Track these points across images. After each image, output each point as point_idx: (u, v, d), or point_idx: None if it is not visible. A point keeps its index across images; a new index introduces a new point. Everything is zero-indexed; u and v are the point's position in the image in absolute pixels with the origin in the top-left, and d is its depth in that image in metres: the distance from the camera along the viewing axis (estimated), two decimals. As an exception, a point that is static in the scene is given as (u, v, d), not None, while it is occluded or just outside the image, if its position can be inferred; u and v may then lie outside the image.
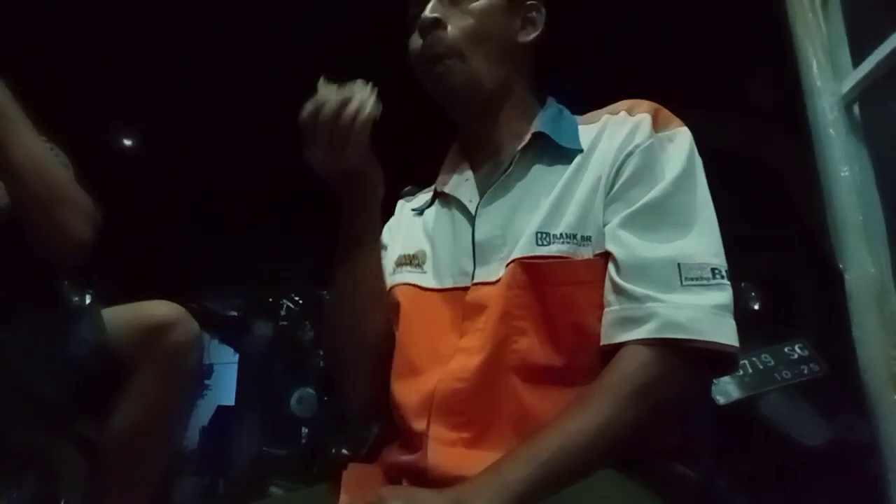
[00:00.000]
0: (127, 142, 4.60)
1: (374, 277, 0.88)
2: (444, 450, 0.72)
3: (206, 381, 5.83)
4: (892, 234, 1.08)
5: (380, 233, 0.92)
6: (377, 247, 0.90)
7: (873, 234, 1.07)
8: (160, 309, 1.18)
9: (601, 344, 0.72)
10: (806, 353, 1.47)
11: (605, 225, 0.75)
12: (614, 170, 0.77)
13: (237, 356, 5.41)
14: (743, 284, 0.74)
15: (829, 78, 1.13)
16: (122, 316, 1.16)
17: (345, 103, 0.77)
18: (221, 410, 5.19)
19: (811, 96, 1.14)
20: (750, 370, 1.46)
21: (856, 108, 1.12)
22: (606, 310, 0.72)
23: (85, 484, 1.28)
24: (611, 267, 0.73)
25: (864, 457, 1.06)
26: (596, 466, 0.63)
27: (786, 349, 1.48)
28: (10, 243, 1.13)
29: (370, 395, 0.89)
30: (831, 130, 1.10)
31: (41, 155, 1.07)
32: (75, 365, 1.12)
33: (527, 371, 0.73)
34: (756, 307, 1.57)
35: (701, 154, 0.79)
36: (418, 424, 0.76)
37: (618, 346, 0.69)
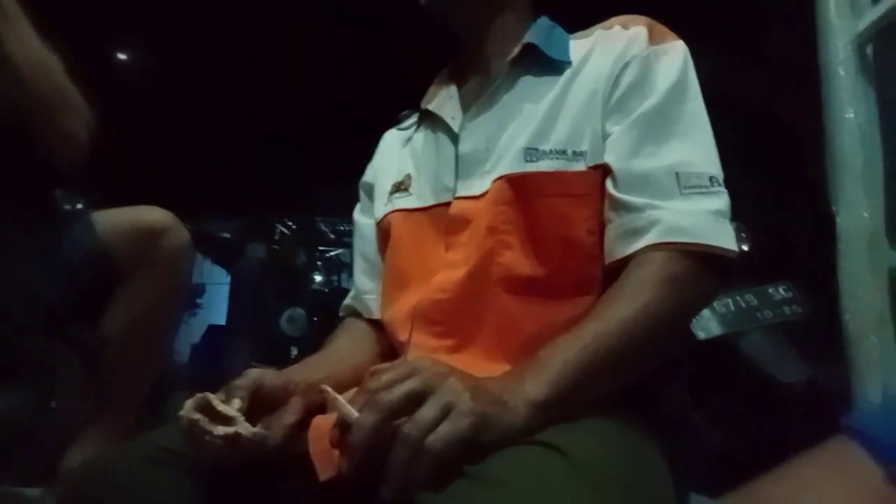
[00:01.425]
0: (124, 56, 4.49)
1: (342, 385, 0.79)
2: (423, 354, 0.73)
3: (199, 301, 5.91)
4: (889, 182, 1.08)
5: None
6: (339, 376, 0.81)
7: (871, 178, 1.07)
8: (153, 214, 1.18)
9: (607, 262, 0.72)
10: (789, 294, 1.49)
11: (604, 138, 0.75)
12: (611, 82, 0.76)
13: (229, 277, 5.47)
14: (735, 225, 0.74)
15: (847, 16, 1.10)
16: (116, 220, 1.16)
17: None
18: (212, 329, 5.29)
19: (825, 34, 1.11)
20: (733, 308, 1.48)
21: (869, 50, 1.09)
22: (609, 227, 0.73)
23: (79, 385, 1.31)
24: (608, 182, 0.74)
25: (839, 399, 1.09)
26: (633, 358, 0.64)
27: (770, 290, 1.51)
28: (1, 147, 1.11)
29: None
30: (841, 70, 1.08)
31: (40, 55, 1.04)
32: (69, 268, 1.13)
33: (511, 282, 0.74)
34: (745, 247, 1.59)
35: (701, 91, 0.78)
36: (403, 335, 0.78)
37: (625, 262, 0.70)
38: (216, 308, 5.80)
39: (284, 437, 0.67)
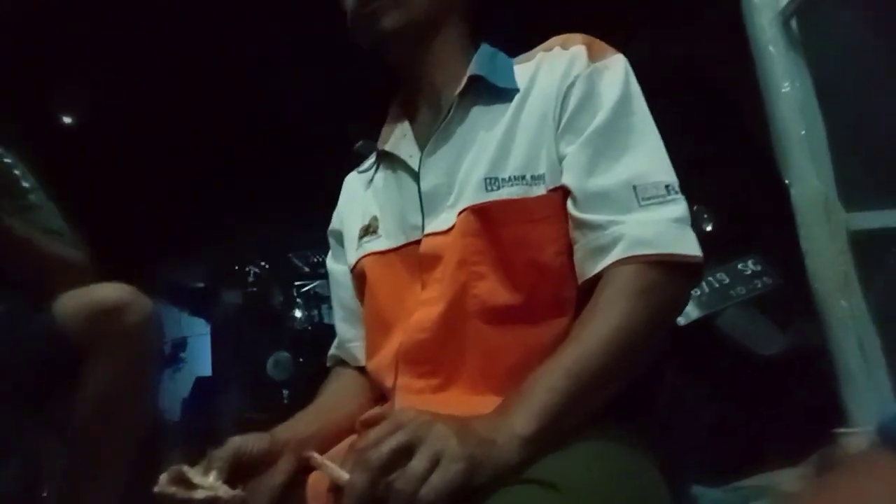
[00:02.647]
0: (69, 119, 4.43)
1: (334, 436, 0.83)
2: (410, 398, 0.73)
3: (182, 355, 5.82)
4: (834, 146, 1.11)
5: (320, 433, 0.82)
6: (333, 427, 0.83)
7: (816, 147, 1.10)
8: (109, 292, 1.15)
9: (579, 282, 0.73)
10: (759, 267, 1.52)
11: (560, 160, 0.76)
12: (559, 103, 0.77)
13: (209, 327, 5.39)
14: (696, 208, 0.75)
15: (768, -6, 1.13)
16: (72, 302, 1.13)
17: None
18: (200, 381, 5.20)
19: (750, 13, 1.15)
20: (706, 289, 1.50)
21: (794, 23, 1.12)
22: (575, 247, 0.73)
23: (63, 467, 1.28)
24: (569, 203, 0.74)
25: (818, 360, 1.11)
26: (617, 374, 0.65)
27: (739, 266, 1.53)
28: None
29: None
30: (771, 47, 1.11)
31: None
32: (29, 352, 1.11)
33: (489, 313, 0.74)
34: (709, 228, 1.61)
35: (647, 77, 0.79)
36: (389, 380, 0.78)
37: (595, 280, 0.70)
38: (201, 359, 5.72)
39: (270, 499, 0.66)
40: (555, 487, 0.53)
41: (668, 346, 0.74)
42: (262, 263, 4.40)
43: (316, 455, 0.61)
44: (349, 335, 0.94)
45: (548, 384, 0.61)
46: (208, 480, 0.62)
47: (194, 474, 0.62)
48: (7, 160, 1.29)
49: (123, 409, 1.15)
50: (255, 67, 3.55)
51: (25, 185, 1.29)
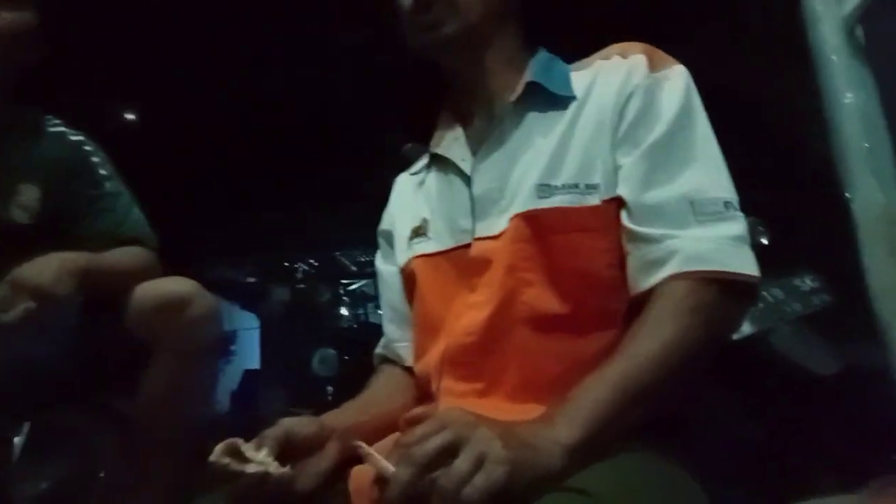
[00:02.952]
0: (131, 116, 4.59)
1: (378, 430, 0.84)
2: (453, 401, 0.74)
3: (232, 347, 5.98)
4: (900, 160, 1.06)
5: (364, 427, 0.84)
6: (376, 421, 0.85)
7: (879, 160, 1.05)
8: (176, 286, 1.21)
9: (631, 295, 0.72)
10: (815, 284, 1.46)
11: (616, 170, 0.75)
12: (616, 113, 0.76)
13: (259, 321, 5.53)
14: (750, 219, 0.73)
15: (832, 1, 1.09)
16: (142, 295, 1.19)
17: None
18: (248, 374, 5.35)
19: (812, 21, 1.10)
20: (760, 304, 1.45)
21: (858, 31, 1.08)
22: (628, 259, 0.73)
23: (120, 454, 1.34)
24: (624, 215, 0.73)
25: (876, 382, 1.07)
26: (664, 391, 0.64)
27: (795, 282, 1.48)
28: (38, 240, 1.19)
29: None
30: (833, 56, 1.07)
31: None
32: (99, 344, 1.16)
33: (535, 321, 0.74)
34: (765, 241, 1.56)
35: (701, 89, 0.78)
36: (434, 383, 0.79)
37: (647, 294, 0.70)
38: (249, 353, 5.87)
39: (317, 482, 0.68)
40: (593, 497, 0.53)
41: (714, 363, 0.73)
42: (311, 261, 4.50)
43: (364, 445, 0.62)
44: (396, 335, 0.96)
45: (594, 396, 0.61)
46: (259, 456, 0.65)
47: (247, 448, 0.65)
48: (87, 147, 1.35)
49: (186, 396, 1.21)
50: (307, 67, 3.61)
51: (103, 172, 1.35)
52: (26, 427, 1.31)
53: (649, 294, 0.69)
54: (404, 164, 1.05)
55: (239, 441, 0.66)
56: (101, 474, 1.42)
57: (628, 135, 0.75)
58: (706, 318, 0.66)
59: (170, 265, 1.34)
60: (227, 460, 0.64)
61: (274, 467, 0.64)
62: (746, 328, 1.43)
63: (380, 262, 1.01)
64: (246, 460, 0.64)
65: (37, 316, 1.06)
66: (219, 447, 0.66)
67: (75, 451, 1.41)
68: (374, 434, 0.81)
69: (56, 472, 1.38)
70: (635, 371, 0.63)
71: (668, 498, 0.59)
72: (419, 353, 0.86)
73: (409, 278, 0.90)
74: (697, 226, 0.70)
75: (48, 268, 1.10)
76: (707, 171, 0.73)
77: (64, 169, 1.30)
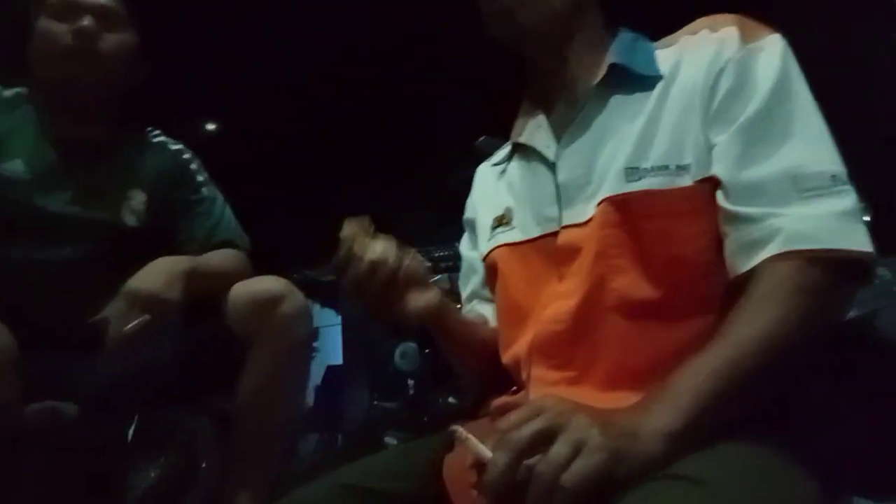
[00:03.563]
0: (210, 126, 4.80)
1: (472, 344, 0.92)
2: (544, 389, 0.74)
3: (315, 344, 6.16)
4: None
5: (457, 318, 0.92)
6: (465, 326, 0.93)
7: None
8: (270, 284, 1.26)
9: (730, 278, 0.69)
10: (924, 263, 1.37)
11: (709, 149, 0.72)
12: (707, 90, 0.73)
13: (339, 318, 5.67)
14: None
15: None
16: (237, 294, 1.25)
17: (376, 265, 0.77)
18: (331, 369, 5.50)
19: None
20: (865, 285, 1.37)
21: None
22: (726, 241, 0.70)
23: (221, 449, 1.41)
24: (720, 195, 0.70)
25: None
26: (768, 378, 0.62)
27: (902, 261, 1.38)
28: (145, 242, 1.29)
29: (487, 382, 0.93)
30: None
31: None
32: (200, 343, 1.23)
33: (627, 308, 0.72)
34: (867, 218, 1.47)
35: (800, 62, 0.73)
36: (523, 373, 0.79)
37: (747, 277, 0.66)
38: (332, 348, 6.03)
39: (423, 304, 0.78)
40: (702, 484, 0.51)
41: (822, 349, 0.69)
42: (388, 258, 4.59)
43: (460, 429, 0.62)
44: (475, 317, 0.98)
45: (694, 383, 0.59)
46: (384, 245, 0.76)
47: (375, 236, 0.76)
48: (186, 156, 1.44)
49: (281, 392, 1.26)
50: (389, 67, 3.66)
51: (200, 179, 1.44)
52: (135, 421, 1.40)
53: (750, 277, 0.66)
54: (479, 159, 1.05)
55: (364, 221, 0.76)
56: (203, 465, 1.49)
57: (722, 112, 0.72)
58: (813, 301, 0.62)
59: (256, 266, 1.40)
60: (355, 229, 0.74)
61: (394, 258, 0.74)
62: (851, 310, 1.35)
63: (465, 249, 1.03)
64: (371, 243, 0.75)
65: (153, 326, 1.13)
66: (349, 224, 0.76)
67: (180, 444, 1.49)
68: (462, 337, 0.89)
69: (163, 462, 1.46)
70: (737, 356, 0.60)
71: (777, 488, 0.57)
72: (505, 343, 0.86)
73: (490, 267, 0.91)
74: (801, 202, 0.66)
75: (158, 277, 1.17)
76: (809, 144, 0.69)
77: (166, 176, 1.39)
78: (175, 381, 1.25)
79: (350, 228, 0.76)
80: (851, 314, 1.40)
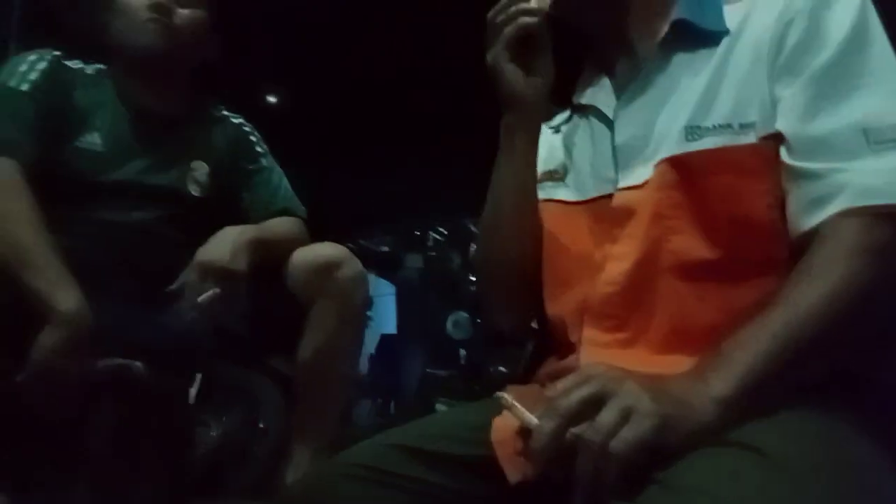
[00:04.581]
0: (272, 97, 4.88)
1: (530, 195, 0.86)
2: (597, 351, 0.72)
3: (369, 313, 6.29)
4: None
5: (536, 155, 0.88)
6: (534, 169, 0.88)
7: None
8: (329, 250, 1.30)
9: (792, 238, 0.65)
10: None
11: (774, 105, 0.67)
12: (775, 43, 0.68)
13: (394, 288, 5.76)
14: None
15: None
16: (298, 260, 1.29)
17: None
18: (385, 338, 5.61)
19: None
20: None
21: None
22: (788, 199, 0.65)
23: (282, 411, 1.47)
24: (783, 150, 0.66)
25: None
26: (833, 344, 0.58)
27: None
28: (209, 211, 1.35)
29: (518, 313, 0.91)
30: None
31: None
32: (264, 307, 1.27)
33: (684, 269, 0.69)
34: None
35: (881, 14, 0.68)
36: (573, 334, 0.77)
37: (811, 236, 0.62)
38: (386, 318, 6.14)
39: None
40: (759, 451, 0.49)
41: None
42: (441, 230, 4.61)
43: (507, 396, 0.62)
44: None
45: (752, 347, 0.56)
46: None
47: None
48: (246, 128, 1.49)
49: (340, 356, 1.30)
50: (439, 33, 3.64)
51: (259, 150, 1.48)
52: (198, 381, 1.47)
53: (813, 236, 0.62)
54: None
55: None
56: (262, 426, 1.56)
57: (789, 63, 0.67)
58: (879, 261, 0.58)
59: (312, 237, 1.44)
60: None
61: None
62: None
63: None
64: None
65: (225, 295, 1.18)
66: None
67: (242, 405, 1.56)
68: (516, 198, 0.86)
69: (226, 422, 1.53)
70: (798, 320, 0.57)
71: (840, 456, 0.54)
72: (550, 296, 0.84)
73: None
74: (872, 156, 0.61)
75: (226, 247, 1.21)
76: (886, 96, 0.63)
77: (228, 149, 1.43)
78: (239, 344, 1.30)
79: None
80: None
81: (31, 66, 1.25)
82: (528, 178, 0.86)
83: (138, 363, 1.16)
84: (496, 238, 0.88)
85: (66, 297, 1.06)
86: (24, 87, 1.23)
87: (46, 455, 1.16)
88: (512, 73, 0.81)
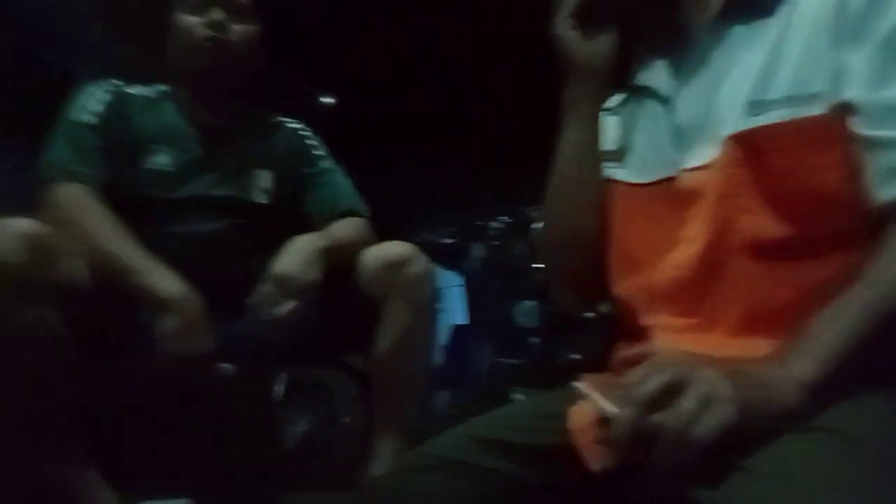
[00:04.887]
0: (326, 98, 4.97)
1: (594, 168, 0.86)
2: (671, 336, 0.71)
3: (439, 305, 6.33)
4: None
5: (598, 129, 0.88)
6: (597, 143, 0.87)
7: None
8: (397, 248, 1.34)
9: (871, 209, 0.63)
10: None
11: (840, 73, 0.65)
12: (837, 7, 0.66)
13: (461, 279, 5.79)
14: None
15: None
16: (368, 258, 1.34)
17: None
18: (457, 329, 5.65)
19: None
20: None
21: None
22: (863, 170, 0.63)
23: (360, 403, 1.52)
24: (855, 120, 0.64)
25: None
26: None
27: None
28: (275, 217, 1.41)
29: (582, 290, 0.91)
30: None
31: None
32: (338, 307, 1.32)
33: (756, 248, 0.68)
34: None
35: None
36: (644, 319, 0.76)
37: (891, 209, 0.61)
38: (456, 309, 6.18)
39: None
40: (847, 437, 0.48)
41: None
42: (503, 218, 4.60)
43: (583, 385, 0.62)
44: None
45: (835, 328, 0.55)
46: None
47: None
48: (304, 132, 1.55)
49: (412, 347, 1.34)
50: (493, 23, 3.61)
51: (318, 153, 1.53)
52: (284, 381, 1.53)
53: (893, 207, 0.60)
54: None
55: None
56: (345, 420, 1.62)
57: (855, 28, 0.65)
58: None
59: (378, 233, 1.47)
60: None
61: None
62: None
63: None
64: None
65: (301, 306, 1.24)
66: None
67: (323, 402, 1.62)
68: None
69: (309, 417, 1.60)
70: (880, 298, 0.55)
71: None
72: (616, 278, 0.83)
73: None
74: None
75: (298, 258, 1.27)
76: None
77: (288, 154, 1.49)
78: (317, 343, 1.35)
79: None
80: None
81: (93, 98, 1.34)
82: (592, 151, 0.85)
83: (227, 364, 1.23)
84: (560, 212, 0.88)
85: (170, 283, 1.15)
86: (87, 118, 1.31)
87: (154, 448, 1.25)
88: (576, 42, 0.81)
